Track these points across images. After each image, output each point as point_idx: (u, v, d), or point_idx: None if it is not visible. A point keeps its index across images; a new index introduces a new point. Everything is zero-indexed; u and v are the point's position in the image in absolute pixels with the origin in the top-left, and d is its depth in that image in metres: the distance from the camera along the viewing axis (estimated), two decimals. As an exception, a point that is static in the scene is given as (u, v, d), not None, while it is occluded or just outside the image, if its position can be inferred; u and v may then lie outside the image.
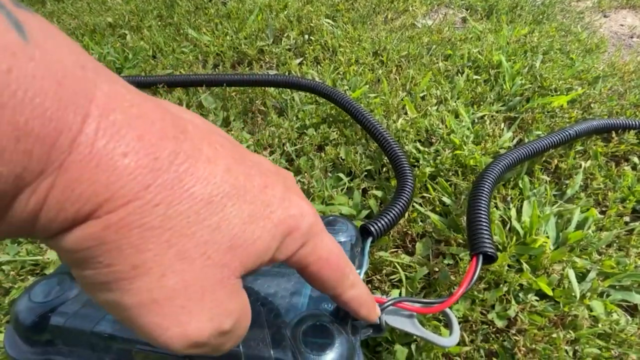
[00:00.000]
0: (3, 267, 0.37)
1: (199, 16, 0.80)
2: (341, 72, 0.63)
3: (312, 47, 0.70)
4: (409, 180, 0.38)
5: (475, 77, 0.61)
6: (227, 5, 0.88)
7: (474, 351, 0.30)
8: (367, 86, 0.58)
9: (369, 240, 0.32)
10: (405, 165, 0.40)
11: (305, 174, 0.43)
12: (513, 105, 0.56)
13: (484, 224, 0.32)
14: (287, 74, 0.64)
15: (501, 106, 0.56)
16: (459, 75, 0.63)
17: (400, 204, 0.35)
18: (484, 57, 0.65)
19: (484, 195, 0.35)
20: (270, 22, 0.76)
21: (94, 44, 0.68)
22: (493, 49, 0.66)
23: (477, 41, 0.73)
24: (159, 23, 0.78)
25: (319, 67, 0.65)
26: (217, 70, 0.67)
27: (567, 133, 0.44)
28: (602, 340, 0.30)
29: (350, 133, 0.49)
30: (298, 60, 0.69)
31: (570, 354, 0.29)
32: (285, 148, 0.46)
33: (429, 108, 0.53)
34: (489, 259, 0.30)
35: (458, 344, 0.27)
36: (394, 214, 0.34)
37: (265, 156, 0.44)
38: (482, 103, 0.56)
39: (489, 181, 0.37)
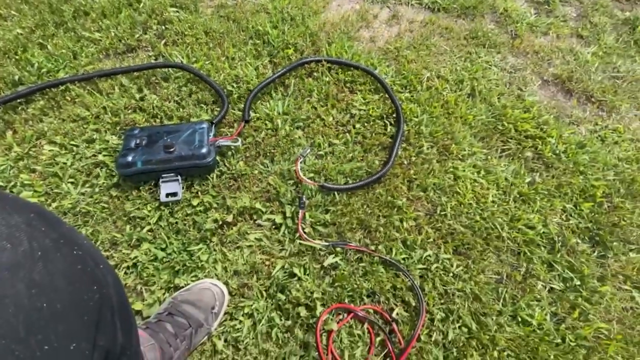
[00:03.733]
0: None
1: (84, 19, 1.21)
2: (190, 49, 1.20)
3: (169, 33, 1.22)
4: (227, 102, 1.05)
5: (257, 41, 1.24)
6: (96, 0, 1.27)
7: (250, 145, 1.02)
8: (205, 57, 1.18)
9: (213, 126, 1.00)
10: (224, 96, 1.06)
11: (186, 108, 1.05)
12: (275, 55, 1.23)
13: (246, 107, 1.02)
14: (161, 59, 1.18)
15: (269, 56, 1.22)
16: (251, 40, 1.25)
17: (224, 111, 1.02)
18: (262, 27, 1.27)
19: (249, 97, 1.04)
20: (136, 19, 1.23)
21: (30, 56, 1.07)
22: (266, 21, 1.29)
23: (261, 13, 1.34)
24: (60, 30, 1.17)
25: (178, 47, 1.20)
26: (117, 59, 1.17)
27: (285, 70, 1.14)
28: (286, 136, 1.05)
29: (203, 86, 1.11)
30: (163, 42, 1.22)
31: (277, 144, 1.03)
32: (175, 99, 1.07)
33: (236, 64, 1.17)
34: (247, 121, 1.01)
35: (242, 145, 0.99)
36: (221, 116, 1.02)
37: (169, 106, 1.05)
38: (260, 57, 1.21)
39: (253, 91, 1.06)
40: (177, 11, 1.29)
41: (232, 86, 1.12)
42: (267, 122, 1.07)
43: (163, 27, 1.24)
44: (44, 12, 1.19)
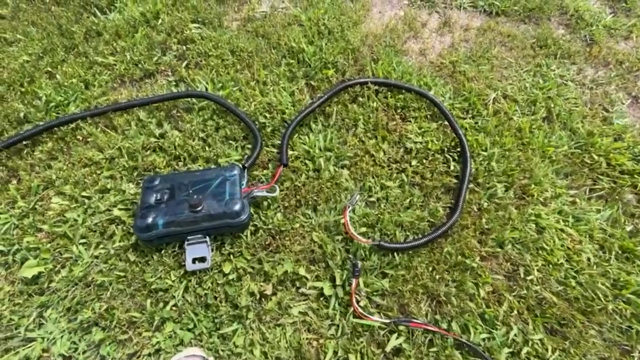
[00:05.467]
0: None
1: (97, 41, 1.07)
2: (215, 73, 1.04)
3: (190, 54, 1.07)
4: (259, 140, 0.88)
5: (291, 61, 1.07)
6: (110, 18, 1.13)
7: (289, 192, 0.86)
8: (232, 82, 1.02)
9: (245, 170, 0.84)
10: (257, 132, 0.90)
11: (213, 146, 0.90)
12: (312, 77, 1.06)
13: (285, 148, 0.85)
14: (182, 86, 1.02)
15: (305, 78, 1.05)
16: (284, 59, 1.08)
17: (257, 151, 0.86)
18: (296, 44, 1.10)
19: (286, 134, 0.87)
20: (154, 38, 1.08)
21: (37, 88, 0.95)
22: (300, 36, 1.11)
23: (294, 25, 1.16)
24: (70, 56, 1.04)
25: (201, 71, 1.04)
26: (134, 87, 1.02)
27: (326, 96, 0.96)
28: (330, 179, 0.88)
29: (231, 119, 0.95)
30: (184, 64, 1.06)
31: (319, 188, 0.86)
32: (200, 136, 0.91)
33: (269, 90, 1.01)
34: (285, 165, 0.84)
35: (280, 192, 0.83)
36: (254, 158, 0.85)
37: (193, 145, 0.89)
38: (295, 79, 1.04)
39: (290, 127, 0.89)
40: (200, 27, 1.14)
41: (265, 117, 0.96)
42: (307, 161, 0.90)
43: (184, 47, 1.09)
44: (52, 35, 1.06)
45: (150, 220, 0.71)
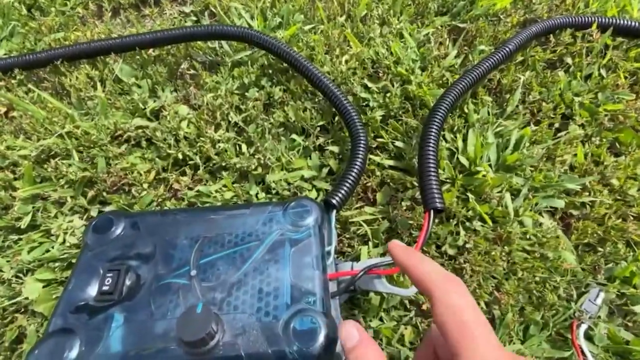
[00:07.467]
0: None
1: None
2: (269, -2, 0.54)
3: (226, -36, 0.58)
4: (361, 139, 0.38)
5: (416, -20, 0.55)
6: None
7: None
8: (302, 15, 0.52)
9: (334, 213, 0.35)
10: (358, 122, 0.40)
11: (257, 144, 0.41)
12: (457, 12, 0.53)
13: (433, 178, 0.34)
14: (205, 19, 0.55)
15: (445, 16, 0.53)
16: (400, -22, 0.56)
17: (356, 168, 0.36)
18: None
19: (431, 145, 0.36)
20: None
21: None
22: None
23: None
24: None
25: (241, -6, 0.55)
26: (118, 20, 0.56)
27: (507, 49, 0.44)
28: (529, 245, 0.37)
29: (295, 86, 0.45)
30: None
31: (505, 265, 0.36)
32: (230, 119, 0.43)
33: (372, 34, 0.49)
34: (440, 210, 0.33)
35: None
36: (352, 180, 0.36)
37: (213, 137, 0.42)
38: (426, 15, 0.52)
39: (435, 127, 0.38)
40: None
41: (366, 89, 0.46)
42: (467, 192, 0.39)
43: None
44: None
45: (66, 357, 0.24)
